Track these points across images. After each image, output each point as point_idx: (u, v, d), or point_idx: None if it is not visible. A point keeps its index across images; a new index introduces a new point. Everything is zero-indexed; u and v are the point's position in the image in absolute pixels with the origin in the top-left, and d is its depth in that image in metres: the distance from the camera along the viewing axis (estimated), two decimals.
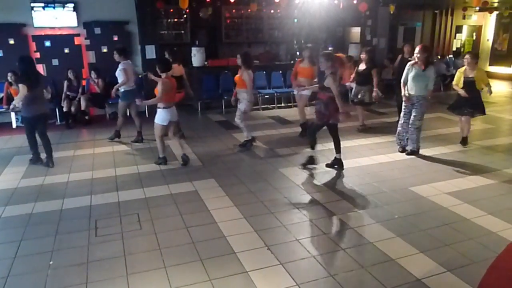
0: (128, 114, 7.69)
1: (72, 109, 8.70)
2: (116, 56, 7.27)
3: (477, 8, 14.45)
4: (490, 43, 16.35)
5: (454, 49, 16.13)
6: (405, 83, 6.46)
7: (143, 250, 3.86)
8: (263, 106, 10.40)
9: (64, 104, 8.63)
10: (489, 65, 16.19)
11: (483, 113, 6.87)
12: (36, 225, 4.38)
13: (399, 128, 6.73)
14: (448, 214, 4.56)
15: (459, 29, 16.46)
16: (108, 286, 3.33)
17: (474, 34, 16.93)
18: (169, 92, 6.01)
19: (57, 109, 8.90)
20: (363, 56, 8.04)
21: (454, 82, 6.99)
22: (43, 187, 5.46)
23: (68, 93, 8.75)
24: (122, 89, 7.33)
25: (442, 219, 4.42)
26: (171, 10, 11.99)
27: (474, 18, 16.33)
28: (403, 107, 6.60)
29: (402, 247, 3.87)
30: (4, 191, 5.31)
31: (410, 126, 6.50)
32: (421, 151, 6.63)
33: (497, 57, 16.06)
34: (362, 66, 8.02)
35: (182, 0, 9.25)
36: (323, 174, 5.84)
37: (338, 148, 6.00)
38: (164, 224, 4.35)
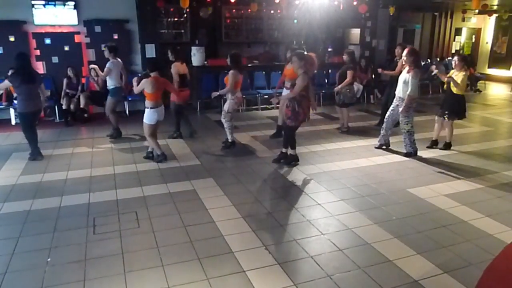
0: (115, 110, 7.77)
1: (71, 106, 8.70)
2: (106, 53, 7.39)
3: (477, 11, 14.48)
4: (489, 45, 16.39)
5: (453, 51, 16.16)
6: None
7: (141, 248, 3.86)
8: (262, 106, 10.40)
9: (64, 102, 8.63)
10: (488, 67, 16.25)
11: (460, 117, 6.85)
12: (34, 222, 4.38)
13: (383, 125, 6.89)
14: (445, 216, 4.58)
15: (458, 32, 16.50)
16: (106, 284, 3.33)
17: (473, 36, 16.97)
18: (155, 92, 6.03)
19: (56, 107, 8.91)
20: (344, 57, 8.04)
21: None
22: (41, 184, 5.46)
23: (67, 90, 8.74)
24: (112, 86, 7.43)
25: (440, 221, 4.44)
26: (172, 9, 11.99)
27: (474, 20, 16.36)
28: (392, 105, 6.68)
29: (399, 248, 3.89)
30: (2, 188, 5.30)
31: (401, 130, 6.56)
32: (419, 153, 6.64)
33: (496, 59, 16.10)
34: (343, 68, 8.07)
35: None
36: (321, 175, 5.85)
37: (287, 144, 6.19)
38: (162, 223, 4.36)
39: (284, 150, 6.25)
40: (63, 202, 4.86)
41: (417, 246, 3.90)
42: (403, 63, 6.42)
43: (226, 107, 6.85)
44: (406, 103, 6.25)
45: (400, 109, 6.34)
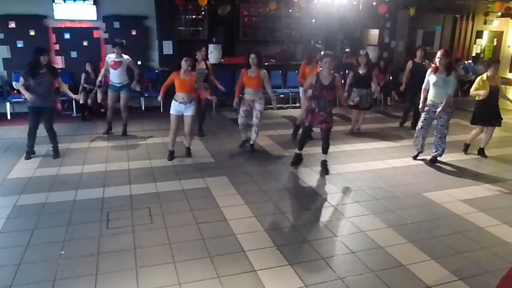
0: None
1: (89, 101, 8.80)
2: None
3: (499, 14, 14.19)
4: (511, 49, 16.06)
5: (473, 54, 15.89)
6: (426, 90, 6.29)
7: (153, 244, 3.88)
8: (277, 106, 10.35)
9: (81, 97, 8.72)
10: (510, 71, 15.91)
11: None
12: (49, 214, 4.44)
13: (416, 133, 6.53)
14: (462, 221, 4.50)
15: (479, 34, 16.20)
16: (118, 278, 3.35)
17: (495, 39, 16.65)
18: None
19: (73, 101, 9.00)
20: (361, 59, 7.82)
21: (473, 90, 6.66)
22: (57, 177, 5.53)
23: (85, 85, 8.84)
24: (127, 82, 7.61)
25: (456, 227, 4.36)
26: (190, 6, 12.00)
27: (496, 23, 16.05)
28: (423, 114, 6.38)
29: (413, 253, 3.83)
30: (19, 180, 5.38)
31: (437, 134, 6.30)
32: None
33: None
34: (362, 70, 7.80)
35: None
36: (336, 176, 5.80)
37: (326, 150, 5.99)
38: (174, 219, 4.37)
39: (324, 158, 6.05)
40: (78, 196, 4.92)
41: (431, 252, 3.84)
42: (437, 65, 6.16)
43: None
44: (447, 102, 6.05)
45: (439, 109, 6.08)
